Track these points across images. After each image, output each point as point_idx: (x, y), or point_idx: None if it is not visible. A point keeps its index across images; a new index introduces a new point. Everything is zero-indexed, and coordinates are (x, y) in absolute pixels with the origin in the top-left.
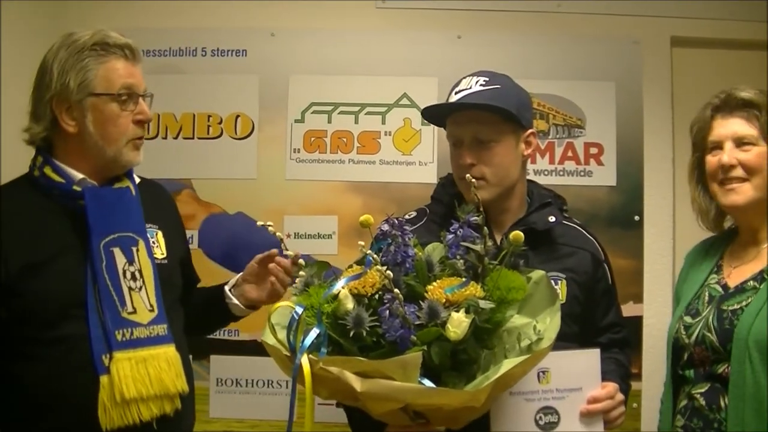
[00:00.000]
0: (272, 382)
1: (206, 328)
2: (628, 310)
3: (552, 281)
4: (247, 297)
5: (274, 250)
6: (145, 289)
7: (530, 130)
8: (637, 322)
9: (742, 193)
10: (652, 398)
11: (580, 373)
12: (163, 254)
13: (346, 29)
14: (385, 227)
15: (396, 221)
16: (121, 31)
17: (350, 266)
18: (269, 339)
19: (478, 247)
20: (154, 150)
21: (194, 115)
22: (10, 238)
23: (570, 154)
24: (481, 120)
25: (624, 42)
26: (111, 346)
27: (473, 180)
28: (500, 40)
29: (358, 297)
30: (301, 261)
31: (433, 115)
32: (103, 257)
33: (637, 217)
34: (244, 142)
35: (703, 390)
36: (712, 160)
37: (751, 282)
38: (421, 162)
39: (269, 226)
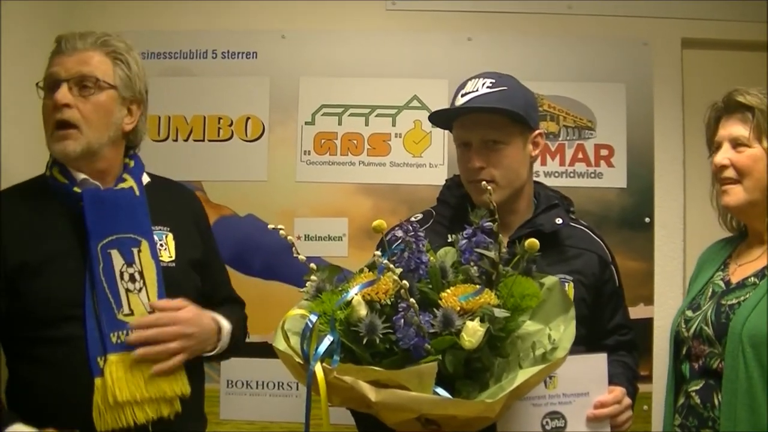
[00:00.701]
0: (282, 384)
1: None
2: (638, 312)
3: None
4: None
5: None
6: (146, 290)
7: (537, 131)
8: (647, 324)
9: (734, 194)
10: (662, 401)
11: (587, 377)
12: (170, 257)
13: (357, 31)
14: (399, 233)
15: (410, 227)
16: (131, 33)
17: (361, 270)
18: (280, 345)
19: (492, 254)
20: (165, 152)
21: (205, 118)
22: (11, 236)
23: (580, 155)
24: (490, 122)
25: (634, 43)
26: (106, 349)
27: (488, 187)
28: (510, 42)
29: (371, 303)
30: (312, 265)
31: (441, 118)
32: (100, 260)
33: (647, 219)
34: (255, 144)
35: (697, 387)
36: (712, 161)
37: (752, 278)
38: (431, 164)
39: (280, 229)
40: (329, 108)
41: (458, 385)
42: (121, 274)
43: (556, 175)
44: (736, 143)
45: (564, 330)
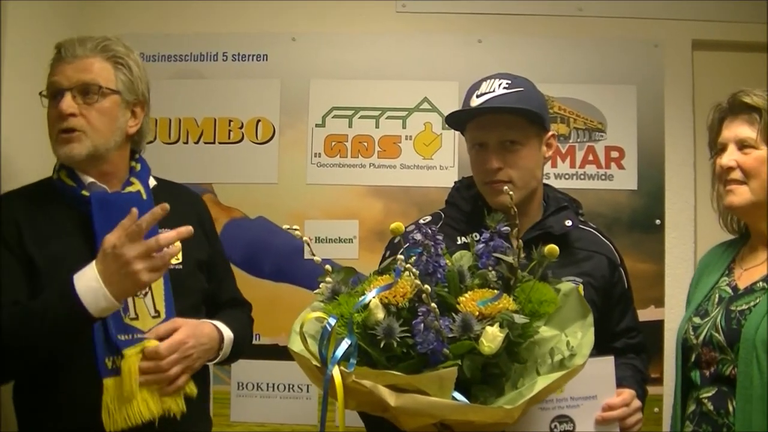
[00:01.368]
0: (293, 386)
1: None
2: (649, 314)
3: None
4: None
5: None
6: (152, 294)
7: (551, 132)
8: (658, 326)
9: (740, 195)
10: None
11: (594, 380)
12: (178, 259)
13: (367, 33)
14: (418, 236)
15: (429, 231)
16: (141, 36)
17: (373, 274)
18: (296, 347)
19: (510, 259)
20: (175, 154)
21: (215, 120)
22: (25, 231)
23: (591, 157)
24: (508, 123)
25: (645, 45)
26: (115, 350)
27: (510, 192)
28: (521, 44)
29: (387, 307)
30: (327, 267)
31: (455, 119)
32: None
33: (658, 221)
34: (265, 147)
35: (710, 394)
36: (717, 161)
37: (761, 283)
38: (441, 166)
39: (295, 229)
40: (340, 110)
41: (475, 390)
42: None
43: (567, 177)
44: (743, 144)
45: (582, 337)
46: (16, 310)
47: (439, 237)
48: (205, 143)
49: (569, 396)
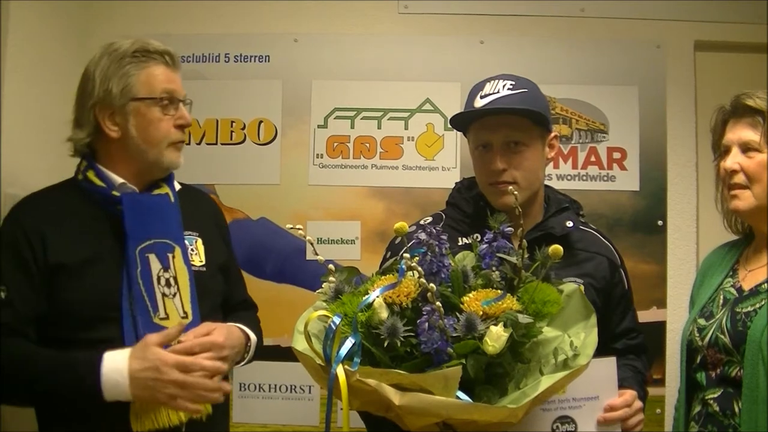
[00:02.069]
0: (295, 387)
1: None
2: (651, 315)
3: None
4: None
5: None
6: (180, 295)
7: (554, 133)
8: (660, 327)
9: (744, 199)
10: (675, 404)
11: (596, 381)
12: (201, 261)
13: (369, 35)
14: (423, 236)
15: (434, 230)
16: (144, 36)
17: (375, 274)
18: (299, 346)
19: (514, 259)
20: None
21: (217, 121)
22: (50, 237)
23: (593, 158)
24: (513, 124)
25: (647, 46)
26: None
27: (515, 192)
28: (523, 45)
29: (391, 306)
30: (331, 266)
31: (458, 120)
32: (138, 263)
33: (660, 222)
34: (267, 148)
35: (716, 395)
36: (721, 164)
37: (766, 285)
38: (444, 167)
39: (298, 229)
40: (342, 111)
41: (478, 390)
42: (158, 278)
43: (569, 178)
44: (746, 148)
45: (585, 337)
46: (23, 354)
47: (444, 237)
48: (208, 144)
49: (571, 397)
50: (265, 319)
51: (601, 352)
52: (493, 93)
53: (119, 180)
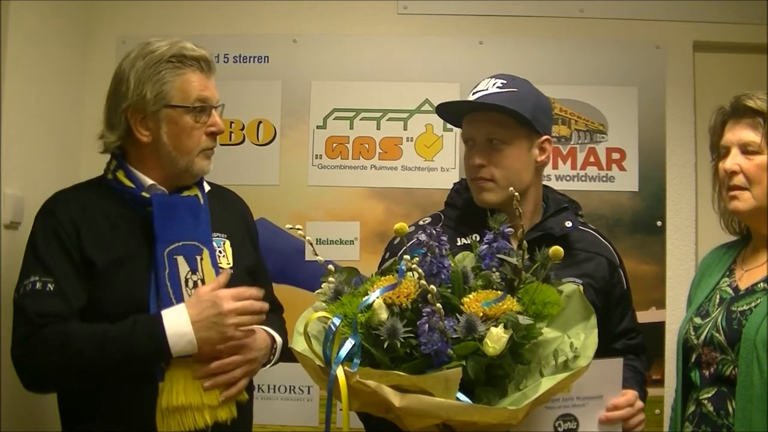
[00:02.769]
0: (294, 387)
1: None
2: (650, 315)
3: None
4: None
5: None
6: None
7: (545, 137)
8: (659, 327)
9: (744, 200)
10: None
11: (601, 381)
12: (229, 263)
13: (368, 35)
14: (423, 237)
15: (434, 231)
16: (143, 37)
17: (374, 275)
18: (299, 346)
19: (514, 260)
20: None
21: None
22: (84, 232)
23: (592, 159)
24: (495, 121)
25: (646, 47)
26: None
27: (485, 185)
28: (522, 46)
29: (391, 307)
30: (330, 267)
31: (450, 114)
32: (166, 265)
33: (659, 223)
34: (267, 148)
35: (710, 395)
36: (720, 165)
37: (762, 284)
38: (443, 168)
39: (298, 229)
40: (341, 112)
41: (478, 391)
42: (186, 280)
43: (568, 178)
44: (746, 149)
45: (585, 338)
46: (90, 331)
47: (444, 238)
48: None
49: (576, 396)
50: None
51: (600, 352)
52: (482, 90)
53: (149, 181)
